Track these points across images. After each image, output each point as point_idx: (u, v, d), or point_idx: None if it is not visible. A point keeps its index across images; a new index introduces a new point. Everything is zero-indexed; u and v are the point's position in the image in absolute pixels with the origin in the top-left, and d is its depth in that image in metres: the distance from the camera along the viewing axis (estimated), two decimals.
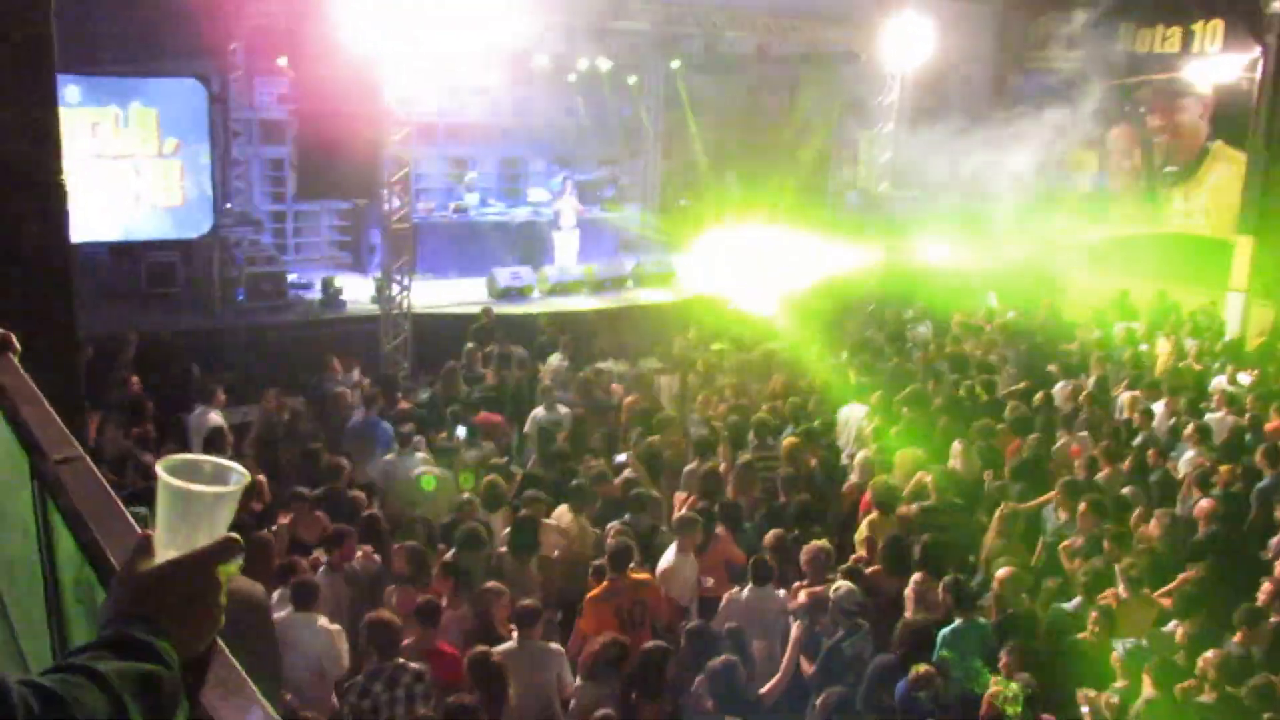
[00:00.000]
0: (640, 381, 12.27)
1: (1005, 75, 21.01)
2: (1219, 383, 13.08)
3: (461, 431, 9.90)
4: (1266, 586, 7.20)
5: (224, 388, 10.84)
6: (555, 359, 13.24)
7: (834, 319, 16.17)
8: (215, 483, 1.39)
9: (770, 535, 7.86)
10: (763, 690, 6.56)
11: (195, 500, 1.37)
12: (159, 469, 1.36)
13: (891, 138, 18.05)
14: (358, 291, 15.78)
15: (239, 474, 1.42)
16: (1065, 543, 8.26)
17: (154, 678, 1.24)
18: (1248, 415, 11.63)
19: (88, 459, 1.86)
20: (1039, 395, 12.16)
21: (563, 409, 11.16)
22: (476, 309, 15.08)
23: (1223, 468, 9.63)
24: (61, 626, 1.72)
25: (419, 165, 19.43)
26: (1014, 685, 5.85)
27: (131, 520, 1.64)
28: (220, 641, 1.39)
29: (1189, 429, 10.75)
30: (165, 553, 1.36)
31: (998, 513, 8.45)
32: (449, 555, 7.38)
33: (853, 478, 9.81)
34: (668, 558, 7.79)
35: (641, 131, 22.74)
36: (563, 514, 8.46)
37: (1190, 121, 18.64)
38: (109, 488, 1.73)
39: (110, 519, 1.64)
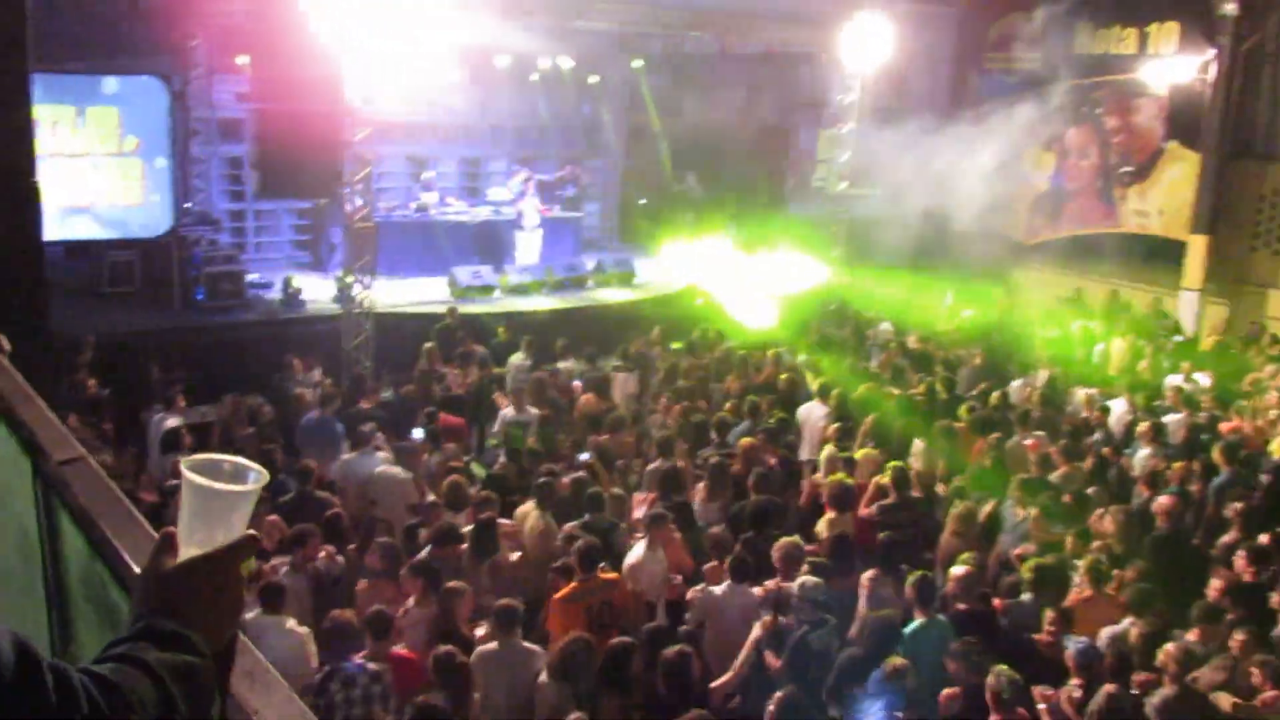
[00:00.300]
0: (598, 381, 12.28)
1: (965, 75, 21.20)
2: (1174, 381, 13.28)
3: (418, 433, 9.90)
4: (1216, 583, 7.28)
5: (183, 388, 10.79)
6: (518, 358, 13.26)
7: (795, 318, 16.27)
8: (234, 481, 1.43)
9: (712, 534, 8.00)
10: (713, 684, 6.55)
11: (217, 498, 1.41)
12: (183, 467, 1.40)
13: (851, 137, 18.15)
14: (318, 291, 15.72)
15: (257, 473, 1.46)
16: (1018, 550, 8.34)
17: (193, 668, 1.29)
18: (1204, 414, 11.79)
19: (90, 459, 1.89)
20: (996, 394, 12.31)
21: (533, 410, 11.21)
22: (438, 308, 15.10)
23: (1175, 465, 9.76)
24: (65, 624, 1.75)
25: (380, 164, 19.37)
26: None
27: (139, 517, 1.67)
28: (242, 634, 1.44)
29: (1143, 427, 10.90)
30: (187, 549, 1.40)
31: (954, 511, 8.52)
32: (423, 554, 7.40)
33: (816, 476, 9.87)
34: (636, 552, 7.81)
35: (603, 131, 22.78)
36: (529, 513, 8.48)
37: (1146, 122, 18.90)
38: (114, 486, 1.76)
39: (118, 517, 1.68)
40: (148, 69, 15.30)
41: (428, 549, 7.59)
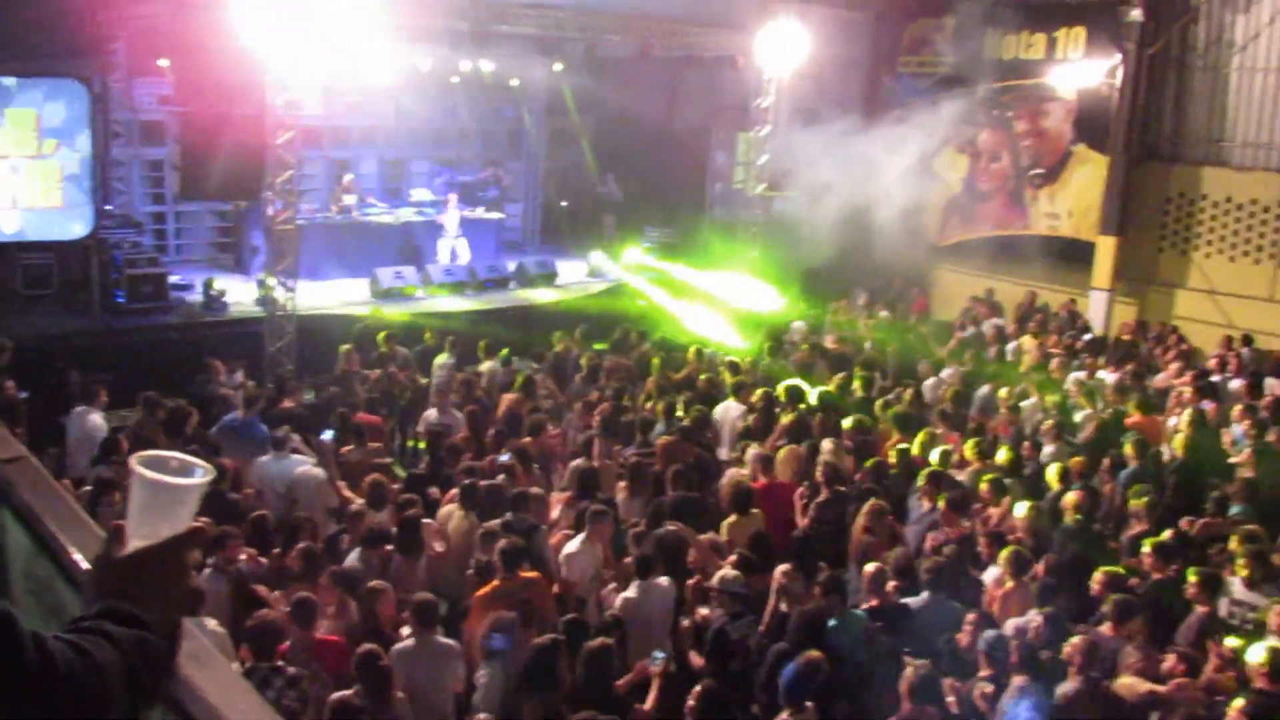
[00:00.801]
0: (519, 382, 12.40)
1: (879, 79, 21.58)
2: (1080, 378, 13.70)
3: (328, 435, 9.98)
4: (1099, 577, 7.47)
5: (103, 391, 10.75)
6: (443, 358, 13.38)
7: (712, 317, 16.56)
8: (181, 477, 1.54)
9: (633, 531, 8.16)
10: (620, 681, 6.53)
11: (165, 492, 1.52)
12: (133, 463, 1.51)
13: (769, 140, 18.46)
14: (240, 293, 15.68)
15: (204, 469, 1.57)
16: (931, 537, 8.55)
17: (150, 643, 1.42)
18: (1110, 410, 12.16)
19: (33, 459, 1.98)
20: (910, 391, 12.65)
21: (456, 412, 11.34)
22: (361, 310, 15.15)
23: (1074, 460, 10.06)
24: None
25: (302, 167, 19.35)
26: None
27: (83, 514, 1.79)
28: (187, 621, 1.55)
29: (1047, 425, 11.25)
30: (136, 540, 1.51)
31: (865, 508, 8.75)
32: (352, 557, 7.50)
33: (733, 471, 10.07)
34: (573, 543, 7.98)
35: (524, 133, 22.92)
36: (451, 513, 8.62)
37: (1054, 126, 19.32)
38: (56, 483, 1.86)
39: (63, 514, 1.78)
40: (67, 71, 15.13)
41: (356, 551, 7.68)
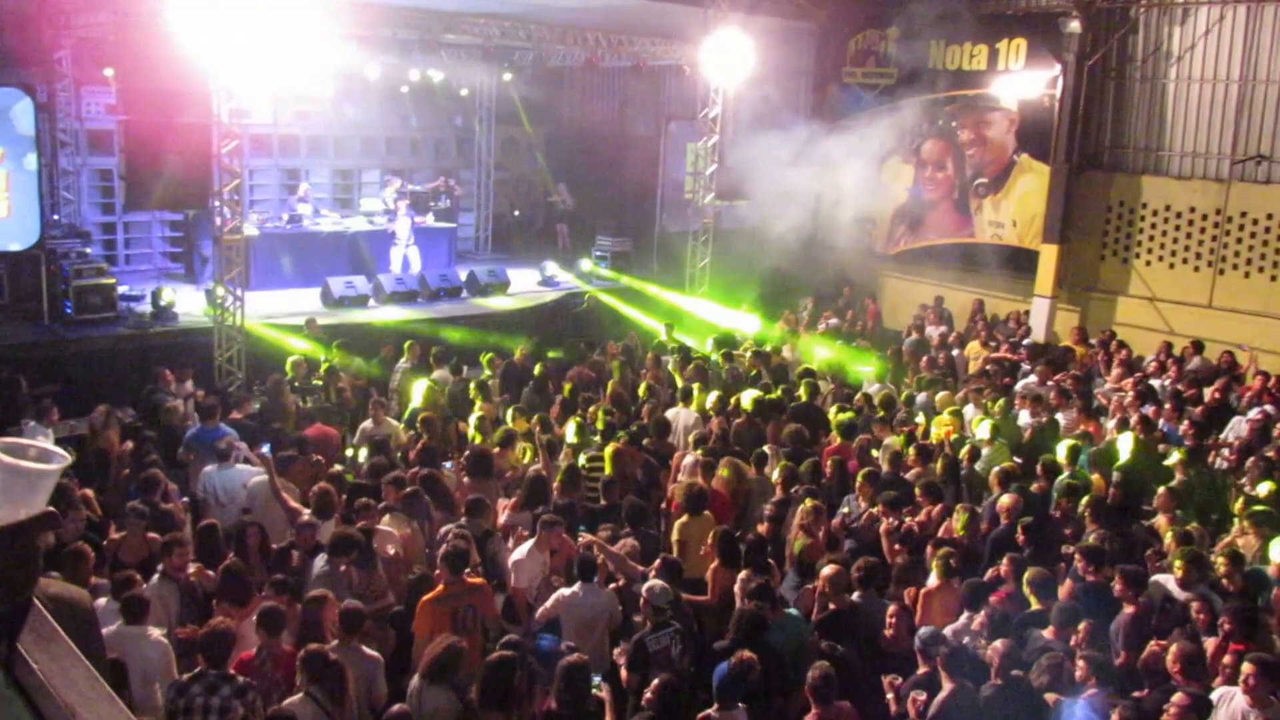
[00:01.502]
0: (472, 391, 12.48)
1: (825, 89, 21.84)
2: (1023, 384, 13.97)
3: (265, 448, 10.04)
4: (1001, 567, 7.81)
5: (53, 401, 10.74)
6: (402, 363, 13.49)
7: (665, 323, 16.70)
8: (39, 463, 1.63)
9: (584, 539, 8.25)
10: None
11: (21, 476, 1.61)
12: None
13: (716, 150, 18.65)
14: (190, 303, 15.65)
15: (61, 456, 1.66)
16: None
17: None
18: (1046, 415, 12.39)
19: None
20: (858, 397, 12.87)
21: (392, 421, 11.43)
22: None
23: (1005, 464, 10.27)
24: None
25: (253, 176, 19.45)
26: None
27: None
28: (37, 600, 1.64)
29: (982, 429, 11.51)
30: None
31: (801, 508, 8.92)
32: (321, 565, 7.56)
33: (682, 478, 10.20)
34: (521, 550, 8.04)
35: (474, 142, 23.01)
36: (395, 522, 8.68)
37: (998, 135, 19.64)
38: None
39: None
40: (11, 80, 15.12)
41: (322, 558, 7.74)
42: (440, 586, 7.29)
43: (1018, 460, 10.70)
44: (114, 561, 7.83)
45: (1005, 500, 9.15)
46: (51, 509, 1.66)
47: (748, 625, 6.88)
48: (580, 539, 8.31)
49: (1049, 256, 18.61)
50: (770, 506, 9.26)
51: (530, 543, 8.13)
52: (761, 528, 9.06)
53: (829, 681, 6.18)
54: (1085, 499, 9.45)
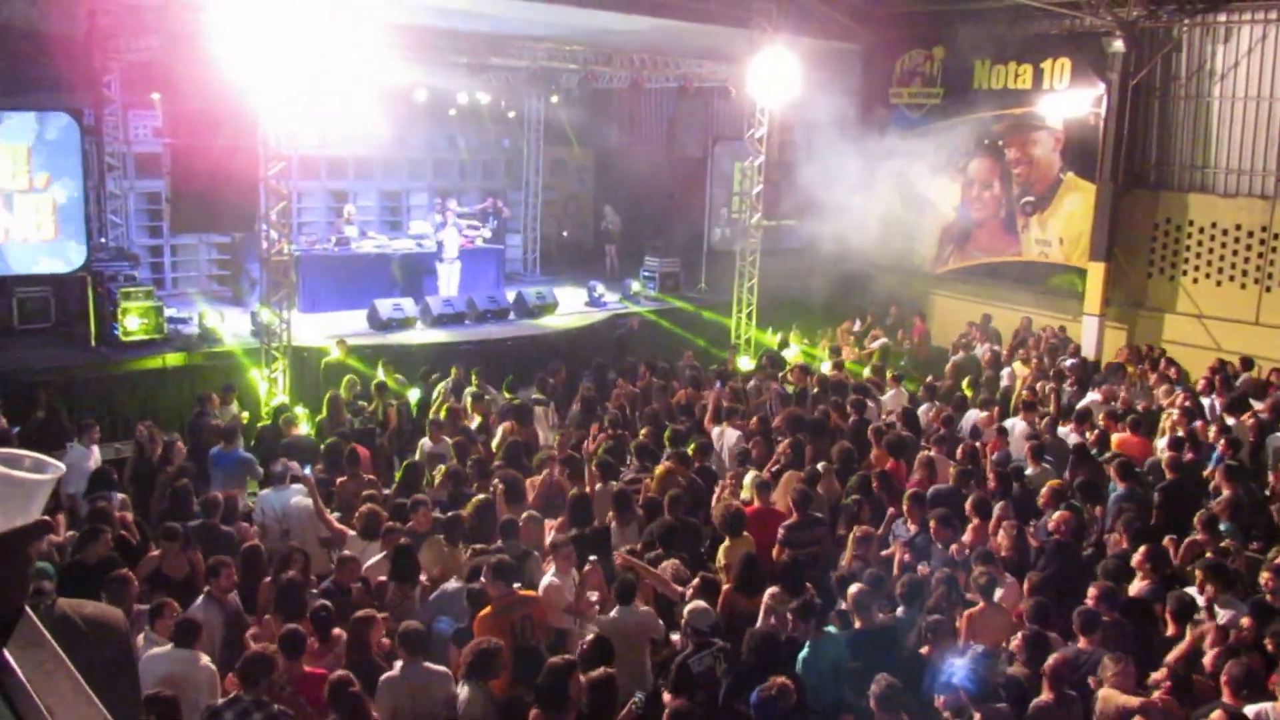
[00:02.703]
0: (517, 412, 12.46)
1: (871, 110, 21.77)
2: (1089, 402, 13.75)
3: (307, 469, 10.05)
4: (1092, 591, 7.55)
5: (97, 424, 10.84)
6: (444, 386, 13.50)
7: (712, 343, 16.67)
8: (33, 473, 1.59)
9: (619, 557, 8.16)
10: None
11: (16, 486, 1.57)
12: None
13: (762, 170, 18.59)
14: (237, 325, 15.75)
15: (55, 466, 1.62)
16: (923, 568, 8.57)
17: None
18: (1096, 432, 12.20)
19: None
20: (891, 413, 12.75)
21: (446, 439, 11.41)
22: (361, 340, 15.25)
23: (1052, 482, 10.09)
24: None
25: (301, 198, 19.61)
26: None
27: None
28: (28, 609, 1.61)
29: (1027, 447, 11.32)
30: None
31: (852, 534, 8.80)
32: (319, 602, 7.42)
33: (727, 496, 10.11)
34: (547, 578, 7.94)
35: (522, 164, 23.09)
36: (439, 543, 8.65)
37: (1044, 154, 19.52)
38: None
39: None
40: (59, 105, 15.32)
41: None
42: (493, 602, 7.18)
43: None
44: (152, 581, 7.80)
45: (1058, 516, 9.00)
46: (45, 519, 1.62)
47: (761, 646, 6.75)
48: (618, 559, 8.19)
49: (1096, 274, 18.43)
50: (783, 530, 9.12)
51: (550, 572, 8.02)
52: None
53: (895, 691, 6.09)
54: (1131, 516, 9.27)
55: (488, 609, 7.14)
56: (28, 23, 16.92)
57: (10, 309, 15.23)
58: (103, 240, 16.16)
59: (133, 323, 14.74)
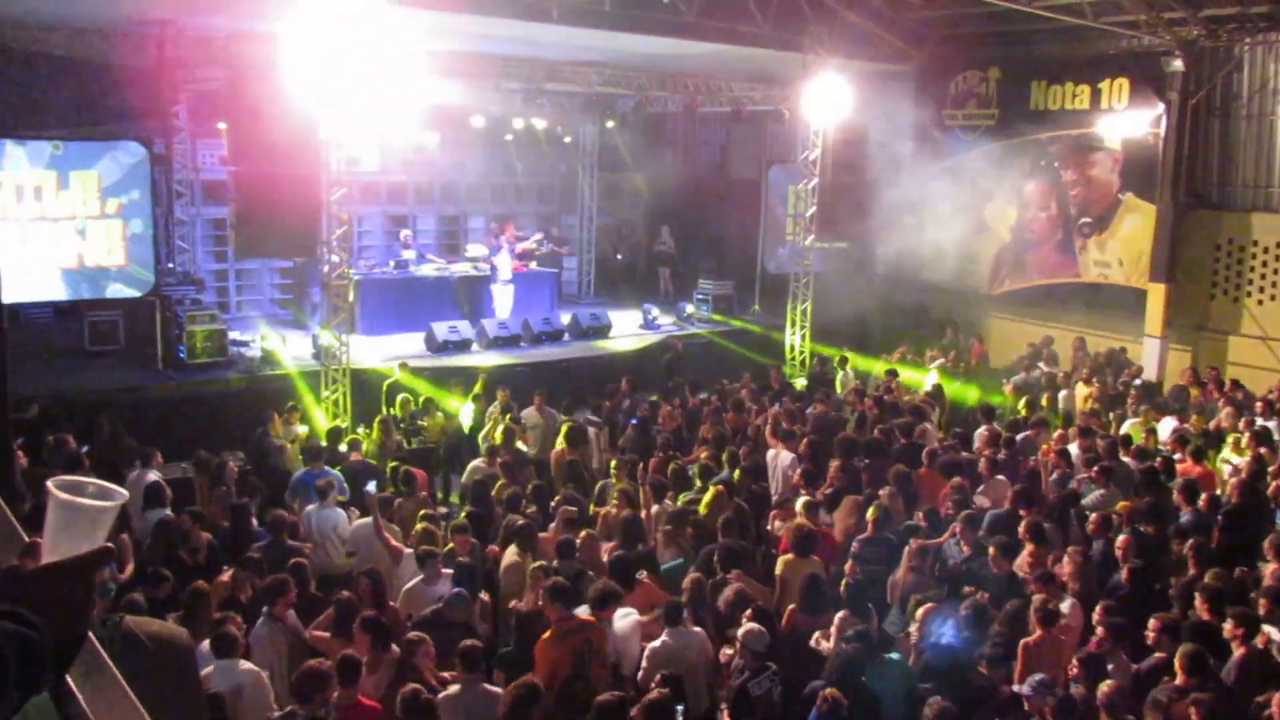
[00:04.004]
0: (571, 433, 12.54)
1: (925, 131, 21.67)
2: (1133, 424, 13.63)
3: (371, 486, 10.20)
4: (1153, 624, 7.35)
5: (157, 450, 11.06)
6: (492, 409, 13.63)
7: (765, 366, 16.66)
8: (98, 500, 1.67)
9: (688, 579, 8.19)
10: None
11: (80, 513, 1.65)
12: (50, 485, 1.65)
13: (815, 192, 18.61)
14: (299, 347, 16.04)
15: (119, 494, 1.70)
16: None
17: (32, 643, 1.52)
18: (1160, 458, 11.95)
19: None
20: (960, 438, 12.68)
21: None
22: (421, 363, 15.46)
23: (1120, 504, 10.00)
24: None
25: (361, 223, 19.98)
26: None
27: (15, 524, 1.94)
28: (91, 635, 1.66)
29: (1093, 470, 11.20)
30: (50, 556, 1.65)
31: (906, 549, 8.80)
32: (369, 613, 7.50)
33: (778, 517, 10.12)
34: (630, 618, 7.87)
35: (578, 188, 23.31)
36: (509, 557, 8.75)
37: (1102, 175, 19.31)
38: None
39: None
40: (129, 134, 15.80)
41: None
42: (553, 626, 7.15)
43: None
44: (226, 604, 7.92)
45: (1123, 540, 8.92)
46: (109, 545, 1.68)
47: (842, 668, 6.78)
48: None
49: (1157, 296, 18.20)
50: (856, 544, 9.16)
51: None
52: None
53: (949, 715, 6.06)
54: (1197, 542, 9.13)
55: (549, 633, 7.09)
56: (100, 56, 17.47)
57: (82, 332, 15.67)
58: (170, 265, 16.56)
59: (197, 345, 15.09)
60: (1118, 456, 11.97)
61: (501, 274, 18.78)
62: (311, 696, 6.12)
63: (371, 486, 10.24)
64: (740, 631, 7.08)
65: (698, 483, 10.90)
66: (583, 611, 7.50)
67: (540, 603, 7.47)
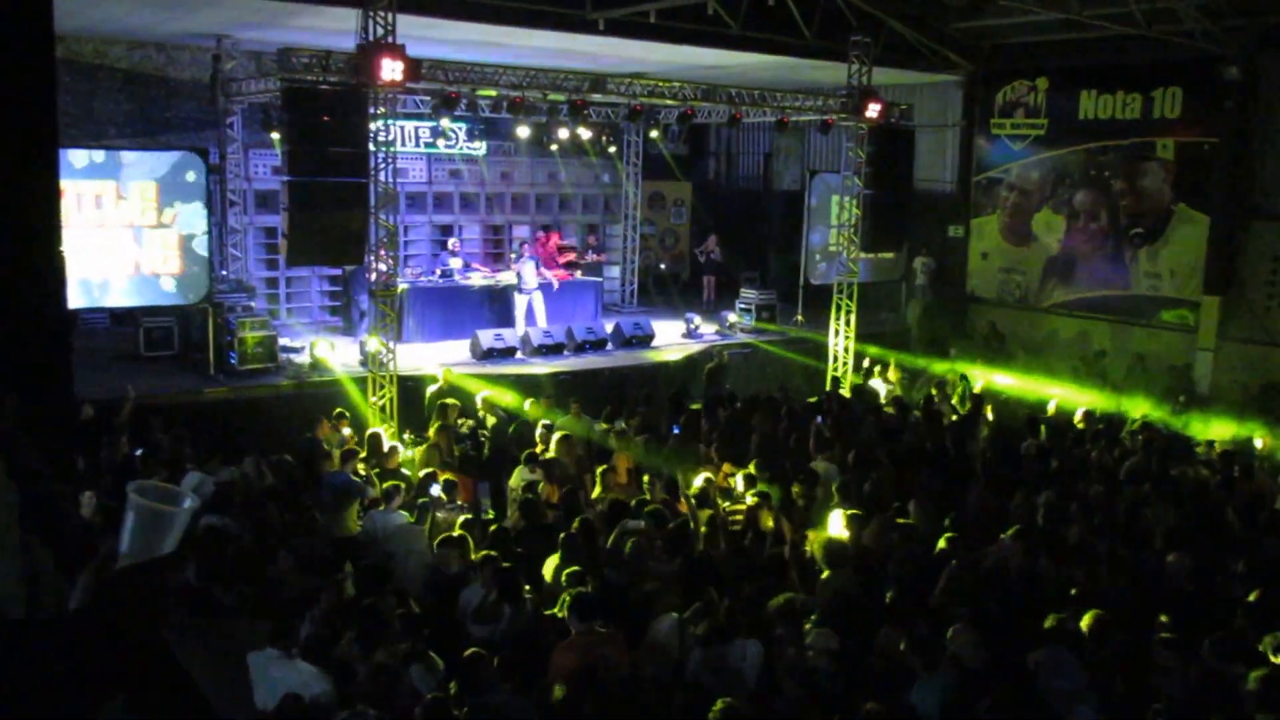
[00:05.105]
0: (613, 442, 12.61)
1: (974, 141, 21.62)
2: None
3: (436, 489, 10.32)
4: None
5: (209, 452, 11.27)
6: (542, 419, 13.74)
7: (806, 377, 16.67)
8: (172, 506, 1.75)
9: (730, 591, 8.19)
10: None
11: (157, 518, 1.74)
12: (129, 491, 1.74)
13: (859, 202, 18.56)
14: (347, 354, 16.26)
15: (191, 499, 1.79)
16: None
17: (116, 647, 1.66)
18: (1219, 474, 11.80)
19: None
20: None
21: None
22: (464, 370, 15.60)
23: (1167, 520, 9.87)
24: None
25: (407, 232, 20.23)
26: None
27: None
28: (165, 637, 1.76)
29: (1147, 485, 11.07)
30: (127, 559, 1.73)
31: (946, 571, 8.74)
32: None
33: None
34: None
35: (622, 197, 23.45)
36: (553, 564, 8.82)
37: (1154, 185, 19.10)
38: None
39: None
40: (186, 144, 16.18)
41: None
42: (573, 635, 7.17)
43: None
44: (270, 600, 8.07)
45: (1173, 558, 8.79)
46: (179, 552, 1.77)
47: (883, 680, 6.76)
48: None
49: (1210, 308, 18.02)
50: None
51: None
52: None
53: None
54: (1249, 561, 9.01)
55: (565, 643, 7.12)
56: (158, 69, 18.07)
57: (138, 338, 16.02)
58: (223, 273, 16.87)
59: (248, 352, 15.35)
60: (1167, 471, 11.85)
61: (527, 284, 18.91)
62: (381, 697, 6.19)
63: (435, 489, 10.35)
64: (810, 637, 7.05)
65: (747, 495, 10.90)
66: None
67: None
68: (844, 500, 10.42)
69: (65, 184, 13.62)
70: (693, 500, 10.24)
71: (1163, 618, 7.71)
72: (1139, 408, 15.43)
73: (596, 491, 11.16)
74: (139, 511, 1.73)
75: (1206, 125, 18.09)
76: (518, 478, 11.58)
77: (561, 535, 9.01)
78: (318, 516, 9.82)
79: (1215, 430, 14.37)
